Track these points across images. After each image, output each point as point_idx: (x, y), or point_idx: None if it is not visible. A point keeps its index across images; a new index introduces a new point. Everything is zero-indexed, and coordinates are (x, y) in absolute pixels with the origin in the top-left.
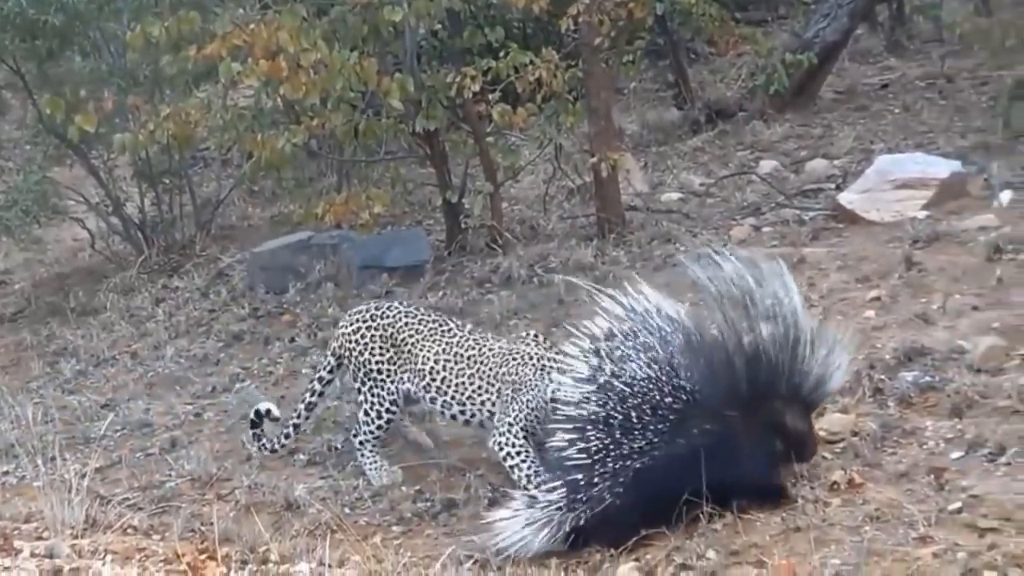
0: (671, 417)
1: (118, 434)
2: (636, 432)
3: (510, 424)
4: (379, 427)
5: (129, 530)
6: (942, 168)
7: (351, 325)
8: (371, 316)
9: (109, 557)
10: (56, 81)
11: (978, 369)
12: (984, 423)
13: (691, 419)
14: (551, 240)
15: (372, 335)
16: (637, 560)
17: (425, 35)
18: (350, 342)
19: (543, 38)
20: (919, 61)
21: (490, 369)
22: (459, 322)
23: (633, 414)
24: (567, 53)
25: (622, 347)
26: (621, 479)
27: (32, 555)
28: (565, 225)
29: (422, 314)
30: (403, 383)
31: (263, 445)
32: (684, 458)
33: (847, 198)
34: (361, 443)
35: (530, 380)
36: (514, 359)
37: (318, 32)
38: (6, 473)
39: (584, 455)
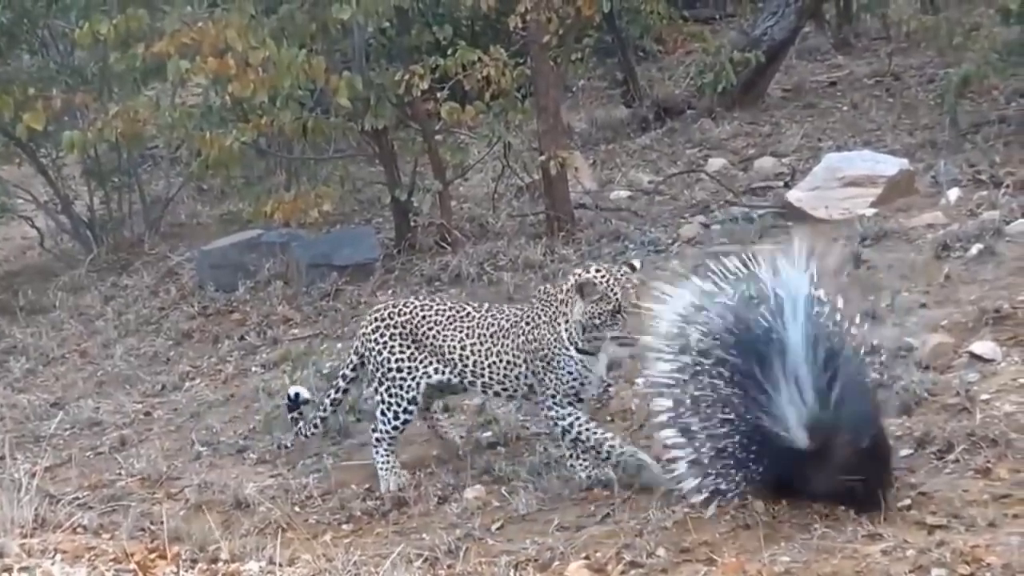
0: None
1: (68, 433)
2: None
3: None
4: (395, 427)
5: (79, 529)
6: (890, 166)
7: (370, 324)
8: (388, 315)
9: (58, 556)
10: (4, 79)
11: (926, 366)
12: (932, 420)
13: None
14: (500, 238)
15: (391, 334)
16: (587, 558)
17: (373, 33)
18: (370, 341)
19: (491, 36)
20: (867, 59)
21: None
22: (475, 304)
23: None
24: (515, 51)
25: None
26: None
27: None
28: (514, 223)
29: (438, 304)
30: (430, 377)
31: (300, 430)
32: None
33: (796, 196)
34: (378, 440)
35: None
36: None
37: (266, 30)
38: None
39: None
